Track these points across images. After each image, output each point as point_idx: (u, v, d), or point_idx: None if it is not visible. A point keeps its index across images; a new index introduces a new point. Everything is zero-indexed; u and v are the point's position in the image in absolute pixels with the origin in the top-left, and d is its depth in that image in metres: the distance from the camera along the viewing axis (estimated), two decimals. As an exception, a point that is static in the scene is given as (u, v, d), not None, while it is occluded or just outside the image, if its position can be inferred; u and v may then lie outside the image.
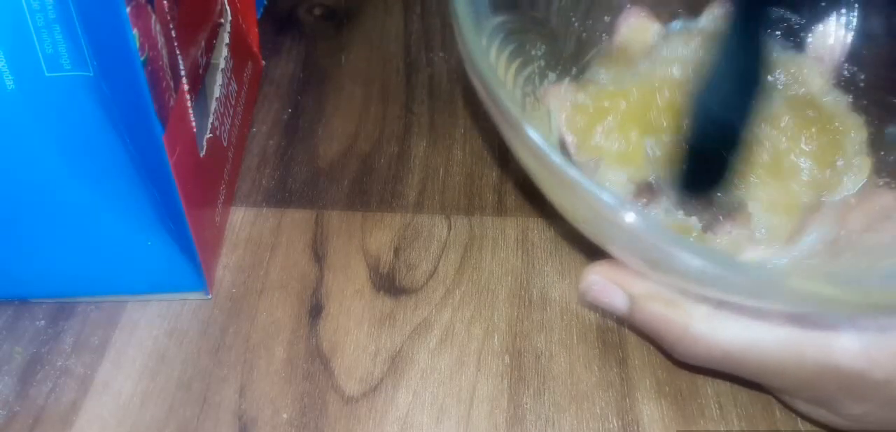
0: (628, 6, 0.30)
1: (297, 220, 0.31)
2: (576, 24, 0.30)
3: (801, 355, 0.21)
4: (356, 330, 0.27)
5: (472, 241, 0.30)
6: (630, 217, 0.18)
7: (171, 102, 0.23)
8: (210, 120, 0.28)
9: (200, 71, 0.28)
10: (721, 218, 0.26)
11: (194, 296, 0.28)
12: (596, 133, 0.27)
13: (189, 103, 0.25)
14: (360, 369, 0.26)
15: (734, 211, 0.26)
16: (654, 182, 0.26)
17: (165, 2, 0.23)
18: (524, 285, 0.28)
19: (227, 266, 0.29)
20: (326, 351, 0.26)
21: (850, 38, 0.28)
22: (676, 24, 0.30)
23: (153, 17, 0.22)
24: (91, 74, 0.21)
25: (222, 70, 0.30)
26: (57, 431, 0.24)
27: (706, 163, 0.25)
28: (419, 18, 0.41)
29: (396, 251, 0.30)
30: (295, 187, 0.32)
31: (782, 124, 0.26)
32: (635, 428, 0.25)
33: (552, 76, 0.29)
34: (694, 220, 0.26)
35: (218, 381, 0.26)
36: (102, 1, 0.20)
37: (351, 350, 0.27)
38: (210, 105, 0.29)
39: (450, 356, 0.26)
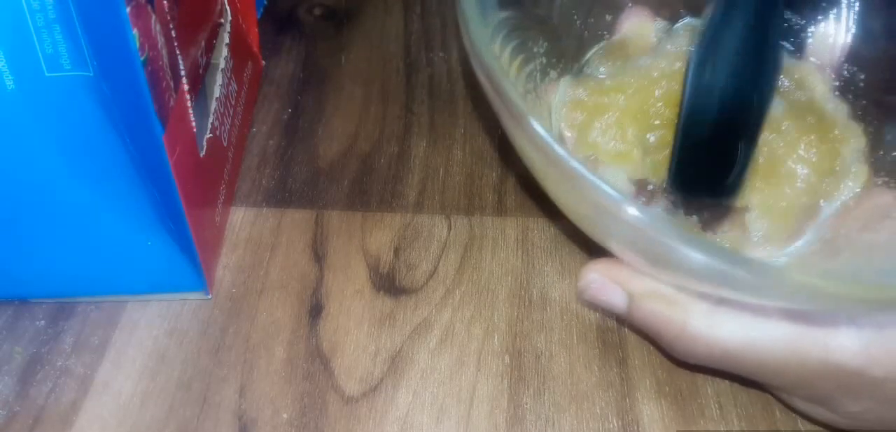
0: (630, 5, 0.30)
1: (297, 220, 0.31)
2: (578, 22, 0.30)
3: (799, 353, 0.21)
4: (356, 330, 0.27)
5: (472, 241, 0.30)
6: (632, 211, 0.18)
7: (171, 102, 0.23)
8: (210, 120, 0.28)
9: (200, 71, 0.28)
10: (719, 218, 0.26)
11: (194, 296, 0.28)
12: (594, 129, 0.27)
13: (189, 103, 0.25)
14: (360, 369, 0.26)
15: (732, 212, 0.26)
16: (650, 182, 0.26)
17: (165, 2, 0.23)
18: (524, 285, 0.28)
19: (227, 266, 0.29)
20: (326, 351, 0.26)
21: (849, 38, 0.28)
22: (682, 21, 0.30)
23: (153, 17, 0.22)
24: (91, 74, 0.21)
25: (222, 70, 0.30)
26: (57, 431, 0.24)
27: (705, 166, 0.24)
28: (419, 18, 0.41)
29: (396, 251, 0.30)
30: (295, 187, 0.32)
31: (782, 128, 0.26)
32: (635, 428, 0.25)
33: (553, 74, 0.29)
34: (694, 220, 0.26)
35: (218, 381, 0.26)
36: (102, 1, 0.20)
37: (351, 350, 0.27)
38: (210, 105, 0.29)
39: (450, 356, 0.26)
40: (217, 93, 0.29)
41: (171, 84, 0.24)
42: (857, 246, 0.24)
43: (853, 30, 0.28)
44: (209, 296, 0.28)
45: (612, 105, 0.27)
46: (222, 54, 0.31)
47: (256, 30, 0.36)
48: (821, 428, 0.25)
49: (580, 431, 0.25)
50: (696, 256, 0.18)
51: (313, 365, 0.26)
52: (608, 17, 0.30)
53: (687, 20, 0.30)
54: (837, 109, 0.27)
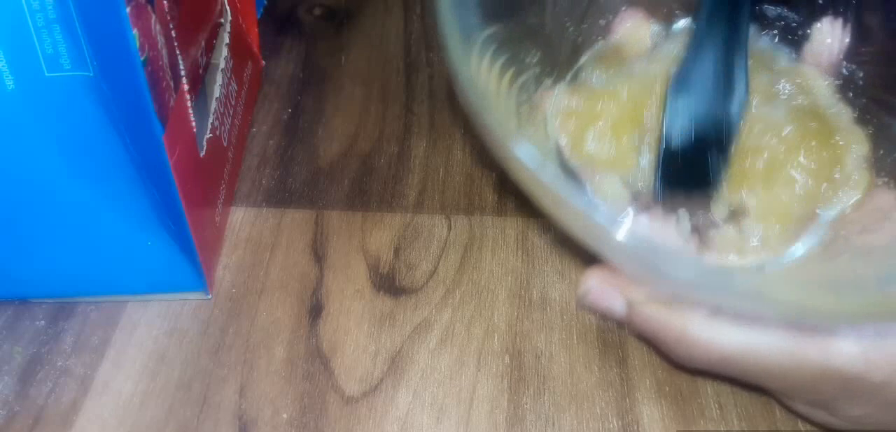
0: (624, 8, 0.30)
1: (297, 220, 0.31)
2: (570, 29, 0.30)
3: (799, 358, 0.21)
4: (356, 330, 0.27)
5: (472, 241, 0.30)
6: (620, 235, 0.18)
7: (171, 102, 0.23)
8: (210, 120, 0.28)
9: (200, 71, 0.28)
10: (718, 222, 0.26)
11: (194, 296, 0.28)
12: (588, 137, 0.27)
13: (189, 103, 0.25)
14: (360, 369, 0.26)
15: (730, 217, 0.26)
16: (643, 187, 0.26)
17: (165, 2, 0.23)
18: (524, 285, 0.28)
19: (227, 266, 0.29)
20: (326, 351, 0.26)
21: (848, 36, 0.28)
22: (680, 23, 0.30)
23: (153, 17, 0.22)
24: (91, 74, 0.21)
25: (222, 70, 0.30)
26: (57, 431, 0.24)
27: (691, 162, 0.25)
28: (419, 18, 0.41)
29: (396, 251, 0.30)
30: (295, 187, 0.32)
31: (783, 133, 0.26)
32: (635, 428, 0.25)
33: (548, 81, 0.29)
34: (688, 228, 0.26)
35: (218, 381, 0.26)
36: (102, 1, 0.20)
37: (351, 350, 0.27)
38: (210, 105, 0.29)
39: (450, 356, 0.26)
40: (217, 93, 0.29)
41: (171, 84, 0.24)
42: (857, 248, 0.24)
43: (852, 27, 0.28)
44: (209, 296, 0.28)
45: (606, 111, 0.27)
46: (222, 54, 0.31)
47: (256, 30, 0.36)
48: (821, 429, 0.25)
49: (580, 431, 0.25)
50: (686, 274, 0.18)
51: (313, 365, 0.26)
52: (602, 22, 0.30)
53: (684, 22, 0.30)
54: (841, 114, 0.27)
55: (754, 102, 0.26)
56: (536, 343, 0.27)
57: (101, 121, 0.22)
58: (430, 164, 0.33)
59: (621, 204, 0.26)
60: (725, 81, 0.26)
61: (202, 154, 0.27)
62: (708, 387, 0.26)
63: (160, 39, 0.23)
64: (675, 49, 0.28)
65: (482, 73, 0.24)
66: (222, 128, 0.30)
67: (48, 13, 0.21)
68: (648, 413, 0.25)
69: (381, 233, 0.30)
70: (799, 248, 0.25)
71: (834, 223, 0.25)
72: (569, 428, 0.25)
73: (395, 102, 0.36)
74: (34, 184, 0.24)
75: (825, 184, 0.25)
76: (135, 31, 0.20)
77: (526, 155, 0.19)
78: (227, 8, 0.32)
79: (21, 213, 0.25)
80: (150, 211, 0.25)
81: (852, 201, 0.25)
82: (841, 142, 0.26)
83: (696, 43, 0.26)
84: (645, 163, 0.26)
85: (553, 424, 0.25)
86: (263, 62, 0.37)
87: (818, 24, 0.29)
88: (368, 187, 0.32)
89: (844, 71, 0.28)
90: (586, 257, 0.29)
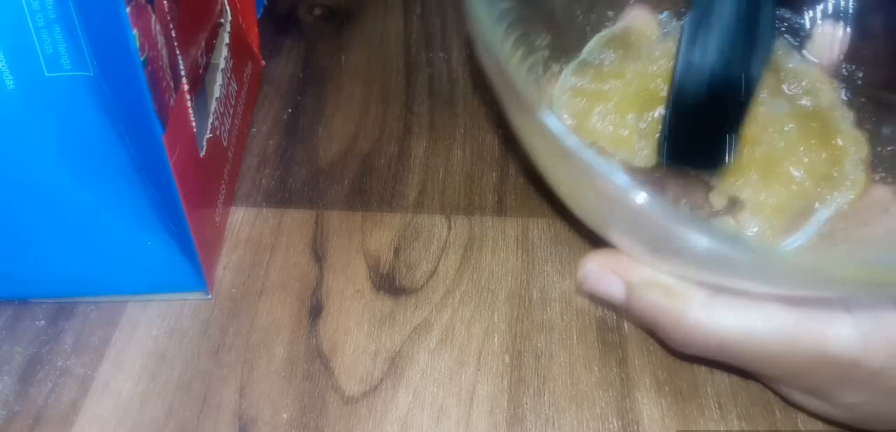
0: (632, 1, 0.30)
1: (297, 220, 0.31)
2: (580, 17, 0.30)
3: (795, 343, 0.21)
4: (356, 330, 0.27)
5: (472, 241, 0.30)
6: (641, 198, 0.18)
7: (171, 102, 0.23)
8: (210, 120, 0.28)
9: (200, 71, 0.28)
10: (718, 211, 0.26)
11: (194, 296, 0.28)
12: (593, 116, 0.27)
13: (189, 103, 0.25)
14: (360, 369, 0.26)
15: (728, 207, 0.26)
16: (645, 167, 0.26)
17: (165, 2, 0.23)
18: (524, 285, 0.28)
19: (227, 266, 0.29)
20: (326, 351, 0.26)
21: (848, 35, 0.29)
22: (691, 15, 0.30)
23: (153, 17, 0.22)
24: (91, 74, 0.21)
25: (222, 70, 0.30)
26: (57, 431, 0.24)
27: (693, 139, 0.24)
28: (419, 18, 0.41)
29: (396, 251, 0.30)
30: (295, 187, 0.32)
31: (784, 129, 0.26)
32: (635, 428, 0.25)
33: (555, 67, 0.29)
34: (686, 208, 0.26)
35: (218, 381, 0.26)
36: (102, 1, 0.20)
37: (351, 350, 0.27)
38: (210, 105, 0.29)
39: (450, 356, 0.26)
40: (217, 93, 0.29)
41: (171, 84, 0.24)
42: (855, 240, 0.24)
43: (852, 26, 0.29)
44: (209, 296, 0.28)
45: (612, 91, 0.27)
46: (222, 54, 0.31)
47: (256, 30, 0.36)
48: (820, 427, 0.25)
49: (580, 431, 0.25)
50: (702, 240, 0.18)
51: (313, 365, 0.26)
52: (610, 13, 0.30)
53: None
54: (843, 117, 0.27)
55: (761, 96, 0.26)
56: (536, 343, 0.27)
57: (101, 121, 0.22)
58: (430, 164, 0.33)
59: None
60: (747, 31, 0.23)
61: (202, 154, 0.27)
62: (708, 387, 0.26)
63: (160, 39, 0.23)
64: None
65: (501, 42, 0.24)
66: (222, 128, 0.30)
67: (48, 13, 0.21)
68: (648, 413, 0.25)
69: (381, 233, 0.30)
70: (797, 240, 0.25)
71: (831, 219, 0.25)
72: (569, 428, 0.25)
73: (395, 102, 0.36)
74: (34, 184, 0.24)
75: (821, 183, 0.25)
76: (135, 31, 0.20)
77: (548, 117, 0.19)
78: (227, 8, 0.32)
79: (21, 213, 0.25)
80: (150, 211, 0.25)
81: (847, 201, 0.25)
82: (841, 144, 0.26)
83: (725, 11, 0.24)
84: (649, 143, 0.26)
85: (553, 424, 0.25)
86: (263, 62, 0.37)
87: (818, 25, 0.29)
88: (368, 187, 0.32)
89: (844, 70, 0.28)
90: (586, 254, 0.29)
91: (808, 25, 0.29)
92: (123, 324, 0.27)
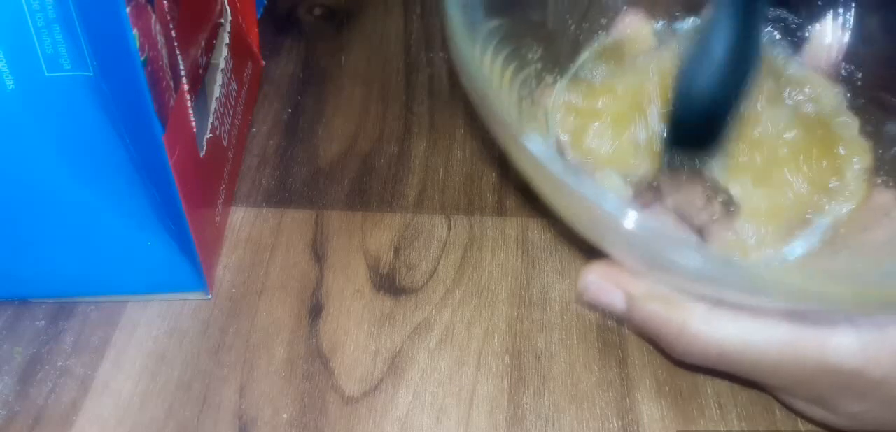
0: (625, 8, 0.30)
1: (297, 220, 0.31)
2: (572, 27, 0.30)
3: (797, 354, 0.21)
4: (356, 330, 0.27)
5: (472, 241, 0.30)
6: (630, 221, 0.18)
7: (171, 102, 0.23)
8: (210, 120, 0.28)
9: (200, 71, 0.28)
10: (715, 217, 0.26)
11: (194, 296, 0.28)
12: (589, 134, 0.27)
13: (189, 103, 0.25)
14: (360, 369, 0.26)
15: (725, 213, 0.26)
16: (643, 180, 0.26)
17: (165, 2, 0.23)
18: (524, 285, 0.28)
19: (227, 266, 0.29)
20: (326, 351, 0.26)
21: (847, 36, 0.29)
22: (688, 21, 0.30)
23: (153, 17, 0.22)
24: (91, 74, 0.21)
25: (222, 70, 0.30)
26: (57, 431, 0.24)
27: (693, 132, 0.24)
28: (419, 18, 0.41)
29: (396, 251, 0.30)
30: (295, 187, 0.32)
31: (786, 136, 0.26)
32: (635, 428, 0.25)
33: (549, 78, 0.29)
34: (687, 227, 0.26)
35: (218, 381, 0.26)
36: (102, 1, 0.20)
37: (351, 350, 0.27)
38: (210, 105, 0.29)
39: (450, 356, 0.26)
40: (217, 93, 0.29)
41: (171, 84, 0.24)
42: (857, 245, 0.24)
43: (851, 27, 0.29)
44: (209, 296, 0.28)
45: (606, 108, 0.27)
46: (222, 54, 0.31)
47: (256, 30, 0.36)
48: (821, 429, 0.25)
49: (580, 431, 0.25)
50: (693, 264, 0.18)
51: (313, 365, 0.26)
52: (603, 21, 0.30)
53: (689, 21, 0.30)
54: (847, 125, 0.27)
55: (759, 104, 0.26)
56: (536, 343, 0.27)
57: (101, 121, 0.22)
58: (430, 164, 0.33)
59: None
60: (740, 47, 0.24)
61: (202, 154, 0.27)
62: (708, 387, 0.26)
63: (160, 39, 0.23)
64: (678, 47, 0.28)
65: (485, 66, 0.24)
66: (222, 128, 0.30)
67: (48, 13, 0.21)
68: (648, 413, 0.25)
69: (381, 233, 0.30)
70: (799, 247, 0.25)
71: (832, 225, 0.25)
72: (569, 428, 0.25)
73: (395, 102, 0.36)
74: (34, 184, 0.24)
75: (820, 192, 0.25)
76: (135, 31, 0.20)
77: (534, 145, 0.19)
78: (227, 8, 0.32)
79: (21, 213, 0.25)
80: (150, 211, 0.25)
81: (846, 211, 0.25)
82: (843, 153, 0.26)
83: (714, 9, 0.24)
84: (646, 158, 0.26)
85: (553, 424, 0.25)
86: (263, 62, 0.37)
87: (818, 26, 0.29)
88: (368, 187, 0.32)
89: (843, 71, 0.28)
90: (586, 256, 0.29)
91: (806, 27, 0.29)
92: (123, 324, 0.27)
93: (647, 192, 0.26)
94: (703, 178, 0.26)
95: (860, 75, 0.28)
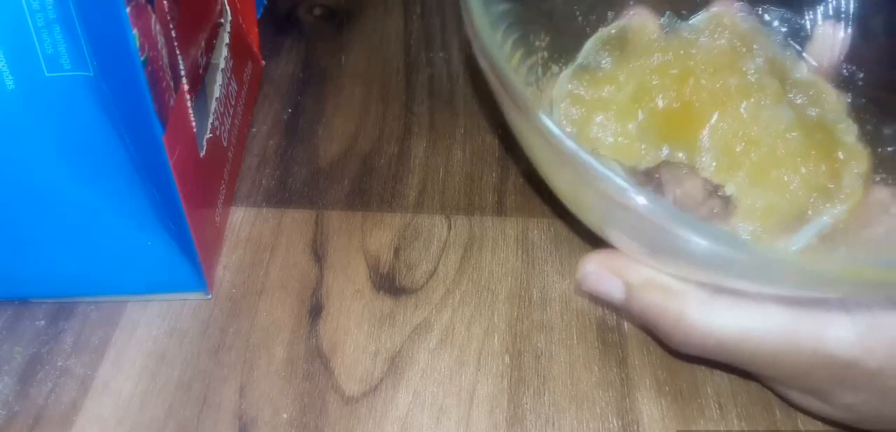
0: (631, 1, 0.30)
1: (297, 220, 0.31)
2: (579, 18, 0.30)
3: (793, 343, 0.21)
4: (356, 330, 0.27)
5: (472, 241, 0.30)
6: (641, 199, 0.18)
7: (171, 102, 0.23)
8: (210, 120, 0.28)
9: (200, 71, 0.28)
10: (715, 212, 0.26)
11: (194, 296, 0.28)
12: (593, 124, 0.27)
13: (189, 103, 0.25)
14: (360, 369, 0.26)
15: (722, 209, 0.26)
16: (651, 173, 0.26)
17: (165, 2, 0.23)
18: (524, 285, 0.28)
19: (227, 266, 0.29)
20: (326, 351, 0.26)
21: (848, 35, 0.29)
22: (697, 16, 0.30)
23: (153, 17, 0.22)
24: (91, 74, 0.21)
25: (222, 70, 0.30)
26: (57, 431, 0.24)
27: None
28: (419, 18, 0.41)
29: (396, 251, 0.30)
30: (295, 187, 0.32)
31: (786, 136, 0.26)
32: (635, 428, 0.25)
33: (555, 68, 0.29)
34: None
35: (218, 381, 0.26)
36: (102, 1, 0.20)
37: (351, 350, 0.27)
38: (210, 105, 0.29)
39: (450, 356, 0.26)
40: (217, 93, 0.29)
41: (171, 84, 0.24)
42: (855, 241, 0.24)
43: (852, 27, 0.29)
44: (209, 296, 0.28)
45: (611, 99, 0.27)
46: (222, 54, 0.31)
47: (256, 30, 0.36)
48: (820, 427, 0.25)
49: (580, 431, 0.25)
50: (701, 241, 0.18)
51: (313, 365, 0.26)
52: (610, 13, 0.30)
53: (701, 16, 0.30)
54: (847, 130, 0.27)
55: (763, 103, 0.26)
56: (536, 343, 0.27)
57: (101, 121, 0.22)
58: (430, 164, 0.33)
59: None
60: None
61: (202, 154, 0.27)
62: (708, 387, 0.26)
63: (160, 39, 0.23)
64: (686, 35, 0.28)
65: (499, 45, 0.24)
66: (222, 128, 0.30)
67: (48, 13, 0.21)
68: (648, 413, 0.25)
69: (381, 233, 0.30)
70: (795, 243, 0.25)
71: (828, 224, 0.25)
72: (569, 428, 0.25)
73: (395, 102, 0.36)
74: (34, 184, 0.24)
75: (816, 193, 0.25)
76: (135, 31, 0.20)
77: (546, 118, 0.19)
78: (227, 8, 0.32)
79: (21, 213, 0.25)
80: (150, 211, 0.25)
81: (840, 212, 0.25)
82: (841, 157, 0.26)
83: None
84: (650, 150, 0.26)
85: (553, 424, 0.25)
86: (263, 62, 0.37)
87: (819, 26, 0.29)
88: (368, 187, 0.32)
89: (844, 71, 0.28)
90: (585, 254, 0.29)
91: (808, 26, 0.29)
92: (123, 324, 0.27)
93: (648, 186, 0.27)
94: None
95: (861, 75, 0.28)
